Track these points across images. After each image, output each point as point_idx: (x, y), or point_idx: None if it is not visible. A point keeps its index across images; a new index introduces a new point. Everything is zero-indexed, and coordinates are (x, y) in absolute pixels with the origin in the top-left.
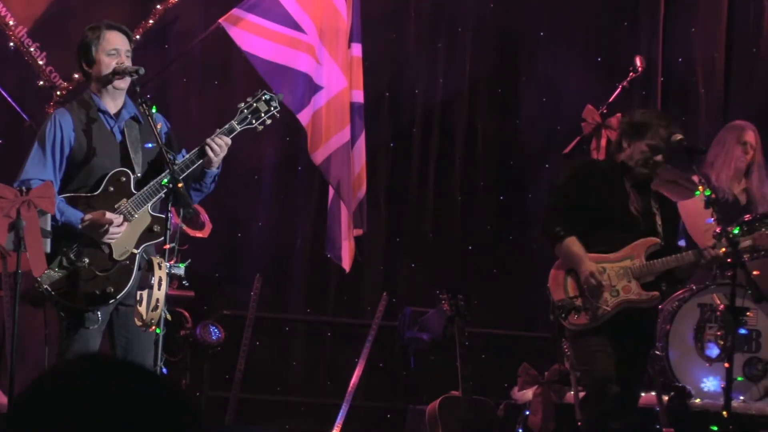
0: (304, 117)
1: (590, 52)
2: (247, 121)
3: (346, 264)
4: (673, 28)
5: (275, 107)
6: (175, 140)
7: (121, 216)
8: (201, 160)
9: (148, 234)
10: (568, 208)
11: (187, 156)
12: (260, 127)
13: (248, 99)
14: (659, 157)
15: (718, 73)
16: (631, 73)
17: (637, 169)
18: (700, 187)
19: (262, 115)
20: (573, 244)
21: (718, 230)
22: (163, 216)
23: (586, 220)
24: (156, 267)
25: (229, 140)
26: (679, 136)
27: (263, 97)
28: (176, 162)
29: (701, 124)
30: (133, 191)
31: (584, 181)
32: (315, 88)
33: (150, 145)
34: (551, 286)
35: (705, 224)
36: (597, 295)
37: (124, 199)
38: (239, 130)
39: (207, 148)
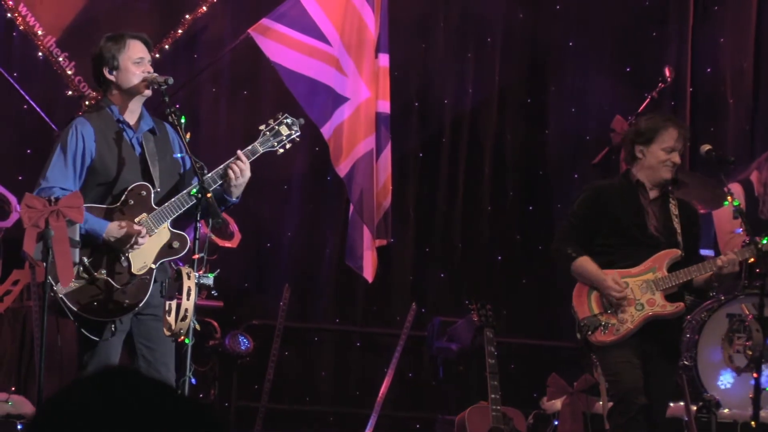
0: (326, 130)
1: (619, 62)
2: (269, 144)
3: (369, 274)
4: (702, 39)
5: (296, 131)
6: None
7: (145, 228)
8: (222, 181)
9: (168, 250)
10: (579, 230)
11: (210, 175)
12: (281, 150)
13: (270, 121)
14: (676, 157)
15: (747, 83)
16: (660, 84)
17: (659, 174)
18: (729, 198)
19: (284, 138)
20: (587, 262)
21: (746, 240)
22: (183, 233)
23: (605, 242)
24: (185, 277)
25: (247, 164)
26: (708, 147)
27: (285, 121)
28: (205, 171)
29: (730, 134)
30: (154, 206)
31: (599, 204)
32: (339, 101)
33: (178, 155)
34: (575, 304)
35: (728, 234)
36: (622, 310)
37: (145, 214)
38: (261, 152)
39: (230, 170)
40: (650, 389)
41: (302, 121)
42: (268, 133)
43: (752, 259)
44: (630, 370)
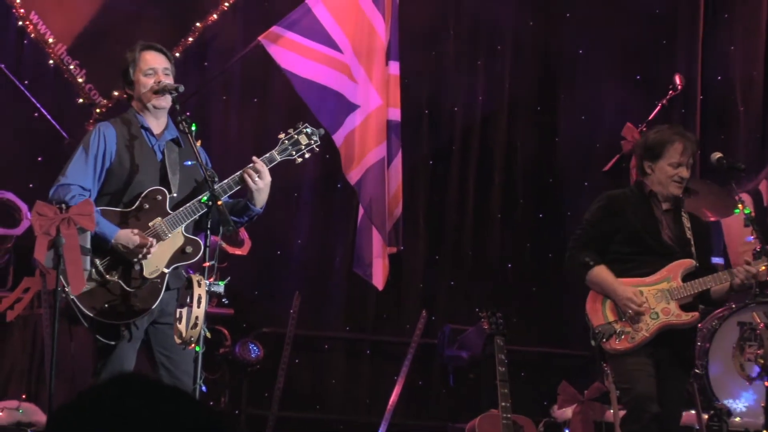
0: (338, 138)
1: (629, 70)
2: (288, 152)
3: (379, 282)
4: (712, 47)
5: (316, 141)
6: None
7: (155, 240)
8: (238, 186)
9: (180, 255)
10: (595, 239)
11: (225, 181)
12: (299, 160)
13: (289, 131)
14: (683, 171)
15: (757, 91)
16: (670, 92)
17: (668, 189)
18: (740, 206)
19: (303, 148)
20: (603, 271)
21: (758, 248)
22: (197, 238)
23: (619, 251)
24: (195, 284)
25: (266, 168)
26: (718, 155)
27: (305, 130)
28: (216, 180)
29: (740, 141)
30: (169, 210)
31: (613, 214)
32: (349, 108)
33: (189, 162)
34: (589, 311)
35: (742, 245)
36: (637, 319)
37: (159, 218)
38: (279, 160)
39: (246, 175)
40: (663, 397)
41: (322, 131)
42: (287, 141)
43: (763, 268)
44: (644, 378)
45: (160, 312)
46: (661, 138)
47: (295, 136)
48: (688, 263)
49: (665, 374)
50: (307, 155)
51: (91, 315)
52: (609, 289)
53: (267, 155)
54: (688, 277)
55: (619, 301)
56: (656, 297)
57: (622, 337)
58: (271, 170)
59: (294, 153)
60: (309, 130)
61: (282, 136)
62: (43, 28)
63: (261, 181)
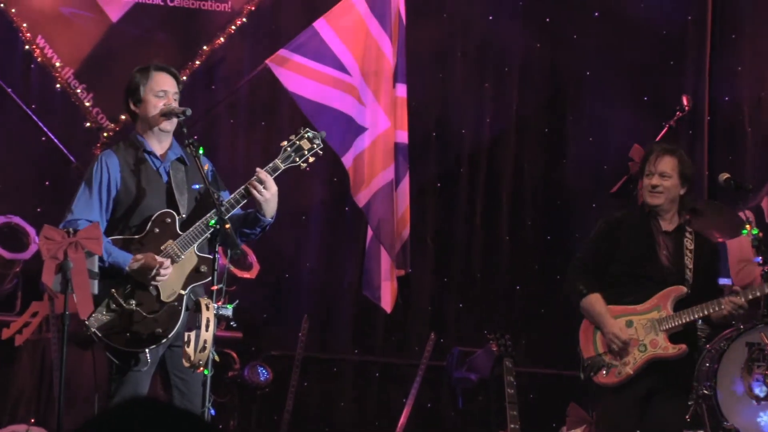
0: (347, 160)
1: (637, 91)
2: (291, 159)
3: (387, 304)
4: (719, 68)
5: (318, 144)
6: (219, 180)
7: (169, 259)
8: (245, 200)
9: (195, 275)
10: (593, 264)
11: (232, 195)
12: (304, 165)
13: (291, 137)
14: (654, 179)
15: (765, 111)
16: (677, 113)
17: (646, 200)
18: (747, 226)
19: (306, 152)
20: (596, 302)
21: (766, 269)
22: (210, 256)
23: (615, 274)
24: (204, 308)
25: (271, 178)
26: (726, 175)
27: (306, 135)
28: (223, 202)
29: (748, 162)
30: (179, 232)
31: (613, 237)
32: (358, 130)
33: (196, 186)
34: (581, 341)
35: (740, 263)
36: (623, 353)
37: (170, 240)
38: (283, 168)
39: (251, 187)
40: (662, 423)
41: (324, 134)
42: (289, 149)
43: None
44: (625, 425)
45: (176, 335)
46: (645, 156)
47: (297, 142)
48: (679, 290)
49: (658, 400)
50: (311, 160)
51: (114, 345)
52: (598, 321)
53: (270, 165)
54: (680, 303)
55: (605, 335)
56: (645, 328)
57: (610, 370)
58: (278, 190)
59: (298, 159)
60: (311, 135)
61: (284, 143)
62: (50, 52)
63: (267, 192)
